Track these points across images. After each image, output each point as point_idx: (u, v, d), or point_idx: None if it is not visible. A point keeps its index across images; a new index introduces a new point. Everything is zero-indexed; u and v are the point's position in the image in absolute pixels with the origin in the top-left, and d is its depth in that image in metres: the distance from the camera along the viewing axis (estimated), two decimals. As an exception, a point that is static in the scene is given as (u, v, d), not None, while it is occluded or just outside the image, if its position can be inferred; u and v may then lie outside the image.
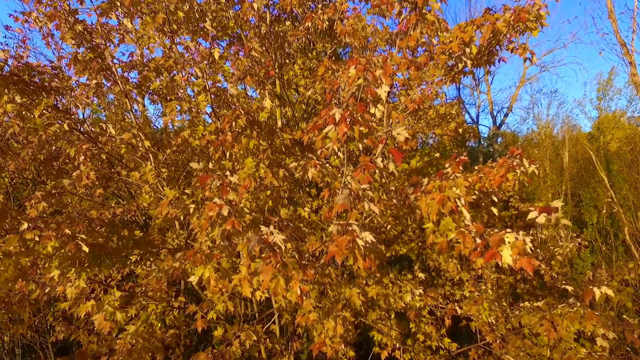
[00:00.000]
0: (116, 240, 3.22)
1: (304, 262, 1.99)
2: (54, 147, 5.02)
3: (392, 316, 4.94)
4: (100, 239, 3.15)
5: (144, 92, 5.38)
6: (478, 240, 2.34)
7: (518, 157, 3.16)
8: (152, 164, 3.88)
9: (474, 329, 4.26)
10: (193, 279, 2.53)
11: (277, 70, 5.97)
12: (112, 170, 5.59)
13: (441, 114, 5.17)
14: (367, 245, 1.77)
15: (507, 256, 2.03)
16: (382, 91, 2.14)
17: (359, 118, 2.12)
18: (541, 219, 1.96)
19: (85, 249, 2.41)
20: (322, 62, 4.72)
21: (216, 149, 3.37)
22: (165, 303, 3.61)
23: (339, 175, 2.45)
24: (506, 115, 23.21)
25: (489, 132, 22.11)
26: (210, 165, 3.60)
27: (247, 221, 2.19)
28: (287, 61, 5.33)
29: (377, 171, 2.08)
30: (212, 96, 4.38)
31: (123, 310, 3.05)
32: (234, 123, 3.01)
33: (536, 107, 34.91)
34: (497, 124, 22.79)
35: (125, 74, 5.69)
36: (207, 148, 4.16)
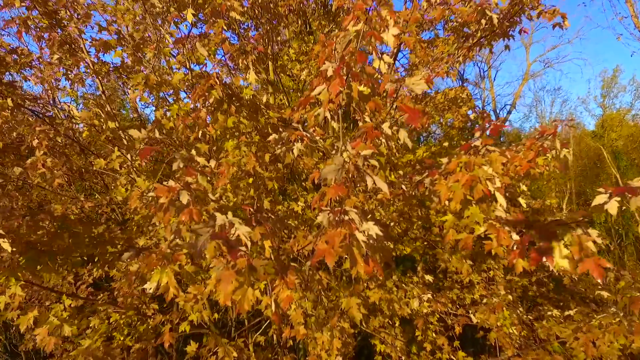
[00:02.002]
0: (67, 237, 2.69)
1: (286, 264, 1.45)
2: (15, 134, 4.49)
3: (397, 324, 4.40)
4: (48, 236, 2.62)
5: (123, 78, 4.85)
6: (515, 236, 1.80)
7: (550, 137, 2.63)
8: (121, 150, 3.34)
9: (494, 342, 3.71)
10: (148, 287, 2.00)
11: (269, 52, 5.43)
12: (87, 160, 5.06)
13: (451, 97, 4.63)
14: (371, 241, 1.24)
15: (560, 258, 1.49)
16: (389, 35, 1.60)
17: (358, 72, 1.58)
18: (612, 206, 1.42)
19: (7, 247, 1.87)
20: (319, 39, 4.18)
21: (191, 128, 2.84)
22: (132, 312, 3.07)
23: (333, 152, 1.92)
24: (509, 112, 22.70)
25: (492, 129, 21.56)
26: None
27: (211, 210, 1.66)
28: (277, 37, 4.77)
29: (383, 141, 1.55)
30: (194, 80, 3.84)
31: (73, 323, 2.51)
32: (207, 95, 2.47)
33: (539, 105, 34.39)
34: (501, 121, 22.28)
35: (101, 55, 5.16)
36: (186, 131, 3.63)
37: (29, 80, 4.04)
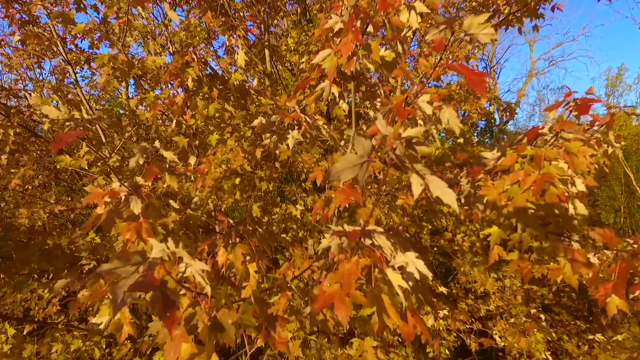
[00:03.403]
0: (13, 250, 2.21)
1: (274, 315, 0.96)
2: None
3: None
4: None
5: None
6: (594, 260, 1.32)
7: (604, 128, 2.14)
8: (89, 145, 2.86)
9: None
10: (98, 321, 1.51)
11: (265, 39, 4.95)
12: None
13: (468, 87, 4.14)
14: (410, 283, 0.75)
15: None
16: (426, -28, 1.11)
17: (379, 23, 1.09)
18: None
19: None
20: (319, 22, 3.70)
21: (174, 113, 2.36)
22: (99, 337, 2.58)
23: (342, 142, 1.43)
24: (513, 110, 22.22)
25: (495, 129, 21.13)
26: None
27: (171, 225, 1.17)
28: (273, 21, 4.29)
29: (421, 122, 1.06)
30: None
31: (19, 357, 2.02)
32: (183, 75, 1.98)
33: (543, 104, 33.96)
34: (504, 120, 21.82)
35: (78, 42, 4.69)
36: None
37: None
